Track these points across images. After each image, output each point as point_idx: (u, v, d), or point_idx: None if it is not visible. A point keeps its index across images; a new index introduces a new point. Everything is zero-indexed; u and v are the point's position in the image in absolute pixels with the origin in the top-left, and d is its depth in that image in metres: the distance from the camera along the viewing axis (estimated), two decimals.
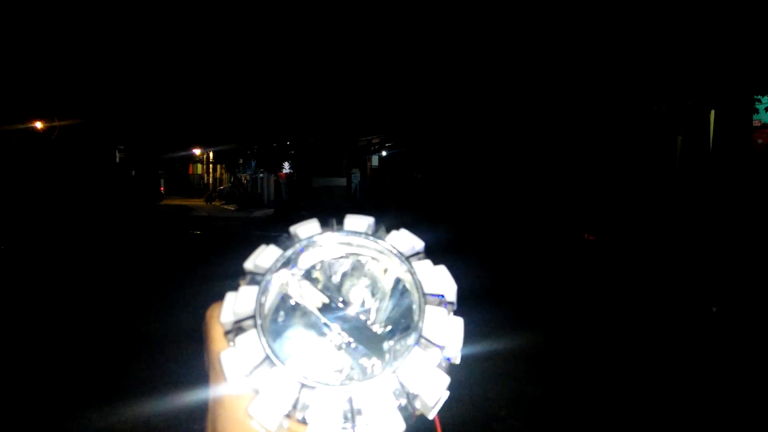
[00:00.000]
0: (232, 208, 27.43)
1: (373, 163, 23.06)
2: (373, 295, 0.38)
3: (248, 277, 0.37)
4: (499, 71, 12.74)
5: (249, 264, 0.38)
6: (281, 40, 17.03)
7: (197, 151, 35.14)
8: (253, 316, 0.35)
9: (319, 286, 0.38)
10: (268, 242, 0.38)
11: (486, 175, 14.21)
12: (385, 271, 0.38)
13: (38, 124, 16.36)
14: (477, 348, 4.54)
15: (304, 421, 0.32)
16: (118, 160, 24.93)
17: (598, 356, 4.55)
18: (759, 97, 10.10)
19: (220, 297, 0.38)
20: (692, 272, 6.70)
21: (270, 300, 0.36)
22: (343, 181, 24.51)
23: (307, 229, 0.38)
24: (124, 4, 16.64)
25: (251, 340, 0.34)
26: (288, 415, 0.33)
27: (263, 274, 0.36)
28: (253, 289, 0.36)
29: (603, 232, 9.11)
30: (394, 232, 0.38)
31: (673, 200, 9.91)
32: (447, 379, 0.32)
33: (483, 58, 12.87)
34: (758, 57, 9.04)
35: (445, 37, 13.37)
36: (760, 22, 8.75)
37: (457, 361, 0.34)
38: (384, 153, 21.33)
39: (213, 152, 34.93)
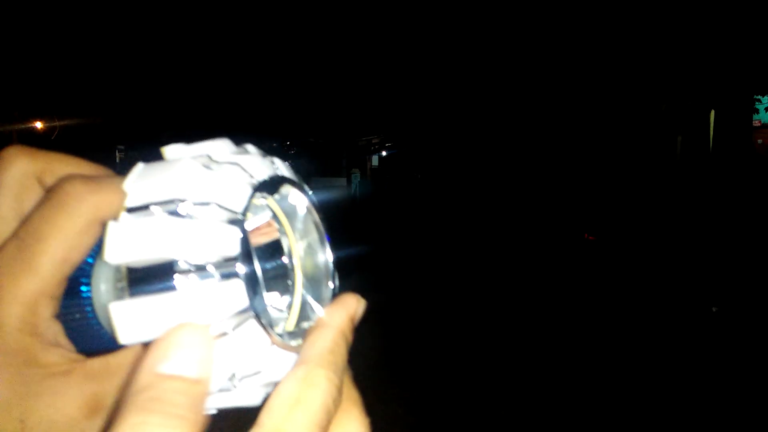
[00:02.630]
0: None
1: (373, 163, 23.05)
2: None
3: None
4: (498, 71, 12.73)
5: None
6: (281, 40, 17.03)
7: None
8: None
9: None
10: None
11: (486, 175, 14.20)
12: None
13: (38, 124, 16.36)
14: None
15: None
16: (118, 160, 24.92)
17: (597, 356, 4.55)
18: (759, 97, 10.11)
19: None
20: (692, 272, 6.70)
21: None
22: (343, 181, 24.48)
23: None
24: (124, 4, 16.63)
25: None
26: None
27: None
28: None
29: (603, 232, 9.10)
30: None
31: (673, 200, 9.91)
32: None
33: (483, 58, 12.87)
34: (758, 57, 9.03)
35: (446, 37, 13.36)
36: (759, 22, 8.74)
37: None
38: (384, 153, 21.31)
39: None
